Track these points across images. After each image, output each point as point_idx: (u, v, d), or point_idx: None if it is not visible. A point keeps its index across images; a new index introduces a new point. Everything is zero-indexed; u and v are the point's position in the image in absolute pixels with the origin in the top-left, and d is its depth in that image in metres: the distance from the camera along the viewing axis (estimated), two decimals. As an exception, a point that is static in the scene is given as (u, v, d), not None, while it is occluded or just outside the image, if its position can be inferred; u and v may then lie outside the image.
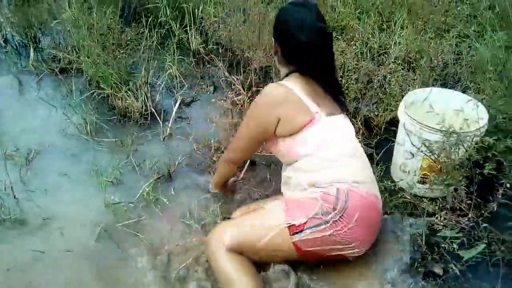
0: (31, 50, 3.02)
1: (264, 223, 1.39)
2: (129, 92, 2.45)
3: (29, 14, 3.25)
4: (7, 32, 3.28)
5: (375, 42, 2.87)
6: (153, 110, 2.47)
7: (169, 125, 2.39)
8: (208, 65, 2.90)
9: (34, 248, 1.71)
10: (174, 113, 2.42)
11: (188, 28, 3.02)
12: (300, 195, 1.42)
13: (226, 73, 2.65)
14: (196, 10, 3.02)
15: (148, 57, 2.64)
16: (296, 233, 1.35)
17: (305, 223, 1.34)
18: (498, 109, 1.97)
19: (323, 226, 1.33)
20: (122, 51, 2.61)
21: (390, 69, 2.48)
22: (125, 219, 1.86)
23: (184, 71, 2.85)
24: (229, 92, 2.41)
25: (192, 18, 3.01)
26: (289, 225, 1.35)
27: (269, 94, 1.37)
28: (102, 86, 2.50)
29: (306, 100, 1.35)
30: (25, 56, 3.09)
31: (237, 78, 2.52)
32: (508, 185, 1.51)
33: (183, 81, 2.72)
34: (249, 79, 2.57)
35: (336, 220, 1.33)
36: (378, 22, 3.06)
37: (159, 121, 2.43)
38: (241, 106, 2.39)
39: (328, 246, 1.37)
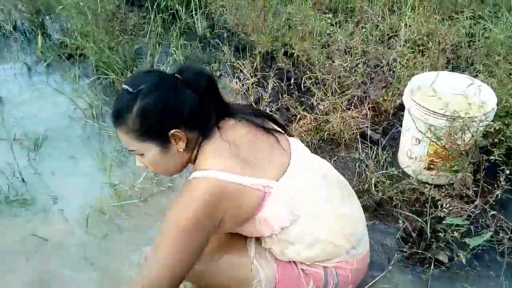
0: (39, 36, 3.03)
1: None
2: (134, 77, 2.44)
3: (36, 0, 3.26)
4: (16, 19, 3.32)
5: (385, 25, 2.79)
6: (158, 95, 2.46)
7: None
8: (214, 50, 2.87)
9: (38, 231, 1.74)
10: (178, 98, 2.41)
11: (194, 12, 2.98)
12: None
13: (232, 58, 2.62)
14: (202, -6, 2.99)
15: (153, 42, 2.63)
16: None
17: None
18: (509, 93, 1.90)
19: None
20: (126, 37, 2.60)
21: (399, 52, 2.41)
22: (128, 200, 1.88)
23: (190, 56, 2.83)
24: (235, 77, 2.39)
25: (198, 2, 2.98)
26: None
27: (201, 197, 0.94)
28: (107, 71, 2.50)
29: (246, 180, 0.98)
30: (33, 42, 3.12)
31: (242, 63, 2.49)
32: (507, 172, 1.45)
33: (189, 66, 2.71)
34: (255, 64, 2.53)
35: None
36: (388, 4, 2.97)
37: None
38: (246, 91, 2.37)
39: None
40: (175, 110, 0.97)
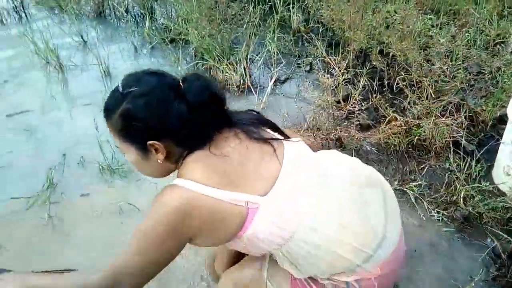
0: (147, 20, 3.31)
1: None
2: (229, 65, 2.57)
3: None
4: (128, 3, 3.65)
5: (492, 30, 2.62)
6: (250, 84, 2.57)
7: (263, 100, 2.48)
8: (306, 44, 2.91)
9: (132, 199, 1.91)
10: (269, 88, 2.50)
11: (291, 5, 3.04)
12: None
13: (324, 53, 2.64)
14: (300, -12, 3.04)
15: (250, 33, 2.73)
16: None
17: None
18: None
19: None
20: (226, 25, 2.74)
21: (506, 60, 2.25)
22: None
23: (282, 49, 2.90)
24: (326, 72, 2.41)
25: (295, -4, 3.03)
26: None
27: (172, 205, 0.89)
28: (205, 57, 2.66)
29: (225, 194, 0.90)
30: (142, 25, 3.41)
31: (335, 59, 2.50)
32: None
33: (281, 58, 2.78)
34: (347, 60, 2.53)
35: None
36: (498, 7, 2.77)
37: (254, 95, 2.52)
38: (336, 87, 2.38)
39: None
40: (158, 122, 0.91)
